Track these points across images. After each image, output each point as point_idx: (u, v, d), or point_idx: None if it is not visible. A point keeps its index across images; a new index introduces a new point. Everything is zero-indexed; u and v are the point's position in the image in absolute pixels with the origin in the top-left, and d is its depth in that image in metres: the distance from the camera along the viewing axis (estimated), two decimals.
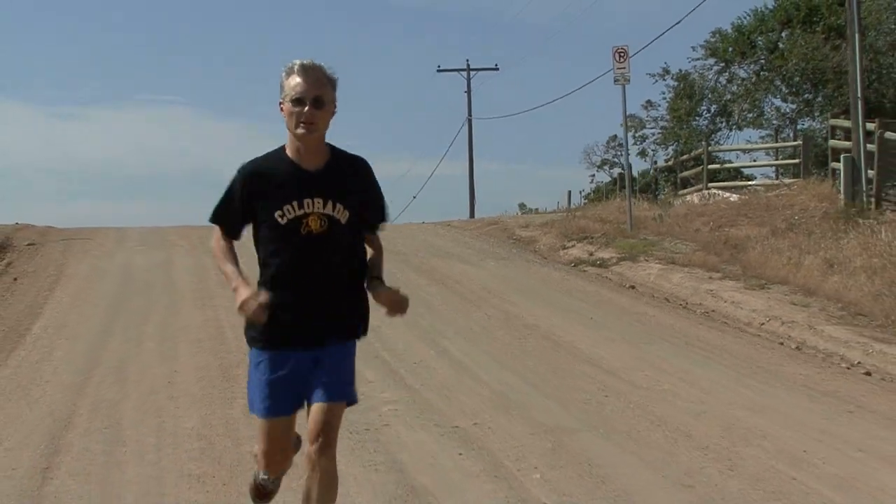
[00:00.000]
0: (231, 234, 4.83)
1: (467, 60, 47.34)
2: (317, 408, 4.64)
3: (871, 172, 20.24)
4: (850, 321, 13.37)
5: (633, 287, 15.74)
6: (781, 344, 11.84)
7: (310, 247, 4.67)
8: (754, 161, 29.18)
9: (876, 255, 16.92)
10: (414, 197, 57.54)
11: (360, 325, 4.86)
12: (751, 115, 29.19)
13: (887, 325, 13.16)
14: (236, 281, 4.64)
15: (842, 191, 20.31)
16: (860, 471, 6.60)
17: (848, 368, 10.77)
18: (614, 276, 16.84)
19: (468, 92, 46.50)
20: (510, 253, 19.24)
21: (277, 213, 4.65)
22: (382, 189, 4.96)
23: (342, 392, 4.73)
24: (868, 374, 10.51)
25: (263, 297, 4.52)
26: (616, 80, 20.41)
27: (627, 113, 23.01)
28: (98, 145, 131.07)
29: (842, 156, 20.42)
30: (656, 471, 6.51)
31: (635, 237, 19.85)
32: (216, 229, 4.86)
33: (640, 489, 6.18)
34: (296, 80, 4.65)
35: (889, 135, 20.25)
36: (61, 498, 6.17)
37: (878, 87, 25.69)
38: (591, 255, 18.86)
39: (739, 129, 29.85)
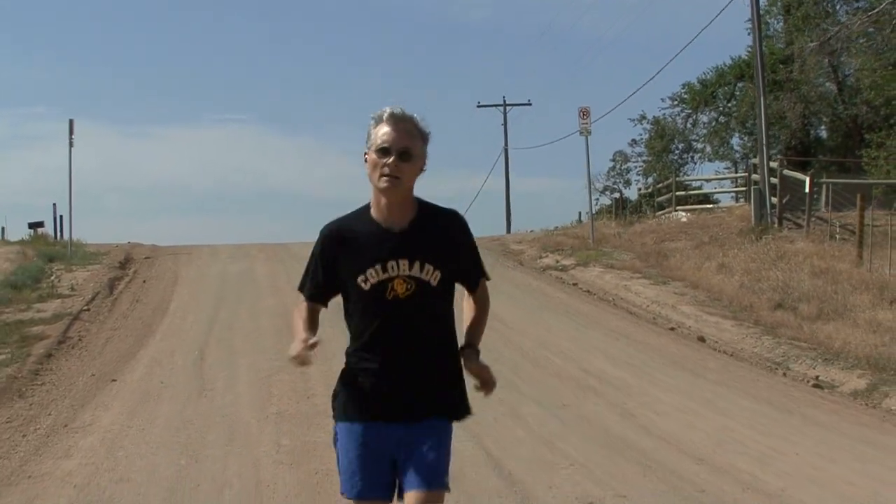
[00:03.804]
0: (315, 300, 4.75)
1: (503, 97, 55.69)
2: (413, 499, 4.43)
3: (774, 200, 27.67)
4: (706, 304, 20.62)
5: (575, 284, 23.22)
6: (632, 314, 19.40)
7: (396, 312, 4.53)
8: (721, 188, 36.90)
9: (755, 260, 24.17)
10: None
11: (460, 402, 4.67)
12: (721, 149, 36.90)
13: (728, 306, 20.37)
14: (300, 333, 4.55)
15: (752, 214, 27.75)
16: (578, 354, 14.32)
17: (671, 329, 18.27)
18: (566, 277, 24.35)
19: (504, 124, 54.75)
20: (495, 261, 26.65)
21: (361, 279, 4.54)
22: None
23: (440, 480, 4.48)
24: (673, 329, 18.02)
25: (312, 340, 4.47)
26: (581, 133, 28.04)
27: (617, 149, 30.81)
28: (169, 164, 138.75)
29: (752, 187, 27.88)
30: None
31: (595, 249, 27.36)
32: (300, 296, 4.77)
33: None
34: (384, 129, 4.51)
35: (787, 172, 27.67)
36: (212, 368, 13.95)
37: (811, 129, 33.17)
38: (558, 262, 26.39)
39: (710, 161, 37.63)
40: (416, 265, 4.54)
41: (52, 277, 23.24)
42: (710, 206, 34.02)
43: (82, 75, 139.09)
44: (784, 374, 14.42)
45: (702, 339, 17.10)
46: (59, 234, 36.61)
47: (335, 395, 4.70)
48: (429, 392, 4.57)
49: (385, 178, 4.48)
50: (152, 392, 12.47)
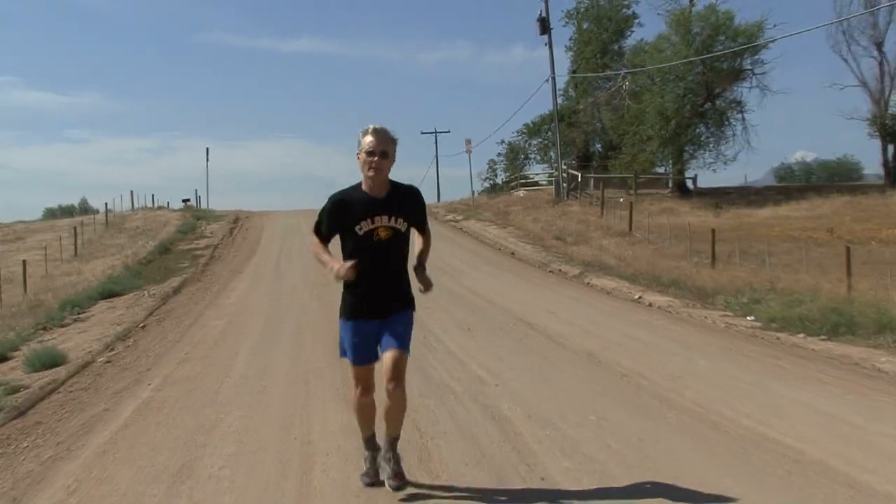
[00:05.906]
0: (325, 240, 4.52)
1: (435, 127, 59.88)
2: (389, 356, 4.32)
3: (565, 185, 31.92)
4: (522, 237, 24.19)
5: (461, 229, 27.09)
6: (482, 242, 23.55)
7: (380, 249, 4.36)
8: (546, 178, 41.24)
9: (551, 216, 28.05)
10: None
11: (412, 299, 4.50)
12: (544, 158, 41.22)
13: (532, 238, 23.89)
14: (331, 261, 4.38)
15: (553, 192, 32.00)
16: (445, 259, 18.51)
17: (498, 248, 22.34)
18: (457, 225, 28.11)
19: (436, 144, 59.19)
20: None
21: (357, 227, 4.34)
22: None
23: (405, 345, 4.37)
24: (499, 249, 22.18)
25: (351, 263, 4.26)
26: (465, 153, 32.08)
27: (490, 157, 34.66)
28: (249, 163, 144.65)
29: (553, 177, 32.05)
30: None
31: (473, 211, 31.37)
32: (315, 236, 4.55)
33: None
34: (369, 138, 4.31)
35: (571, 171, 31.79)
36: (282, 266, 18.15)
37: (590, 147, 37.46)
38: (454, 217, 30.26)
39: (539, 163, 42.00)
40: (392, 218, 4.38)
41: (201, 228, 27.39)
42: (536, 187, 38.17)
43: (196, 108, 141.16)
44: (538, 267, 18.65)
45: (513, 254, 21.03)
46: (198, 204, 40.58)
47: (342, 300, 4.52)
48: (396, 297, 4.46)
49: (371, 170, 4.32)
50: (258, 277, 16.74)
